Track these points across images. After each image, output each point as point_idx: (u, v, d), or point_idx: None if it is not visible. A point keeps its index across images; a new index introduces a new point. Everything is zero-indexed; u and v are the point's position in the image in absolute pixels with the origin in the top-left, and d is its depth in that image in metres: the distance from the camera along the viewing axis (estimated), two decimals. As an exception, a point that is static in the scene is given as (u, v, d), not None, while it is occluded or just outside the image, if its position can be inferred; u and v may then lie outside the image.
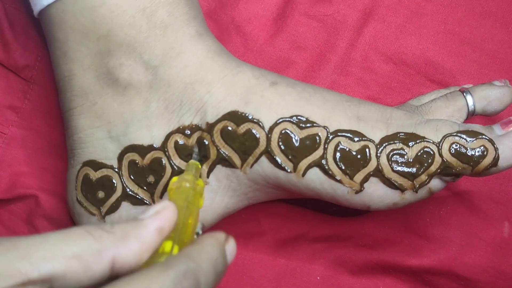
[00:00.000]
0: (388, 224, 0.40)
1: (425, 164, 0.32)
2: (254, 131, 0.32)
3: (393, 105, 0.39)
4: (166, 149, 0.33)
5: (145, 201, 0.34)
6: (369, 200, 0.33)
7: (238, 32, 0.40)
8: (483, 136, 0.32)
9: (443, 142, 0.32)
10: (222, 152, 0.32)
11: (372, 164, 0.32)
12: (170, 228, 0.23)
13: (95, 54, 0.32)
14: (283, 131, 0.32)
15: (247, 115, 0.32)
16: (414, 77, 0.40)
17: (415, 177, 0.32)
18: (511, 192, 0.40)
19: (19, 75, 0.40)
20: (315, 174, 0.32)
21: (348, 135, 0.32)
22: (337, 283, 0.40)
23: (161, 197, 0.34)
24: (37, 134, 0.41)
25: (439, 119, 0.33)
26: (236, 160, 0.32)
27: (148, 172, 0.33)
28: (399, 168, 0.32)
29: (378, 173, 0.32)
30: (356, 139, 0.32)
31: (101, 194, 0.34)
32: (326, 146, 0.32)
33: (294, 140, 0.32)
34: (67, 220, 0.39)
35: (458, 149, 0.32)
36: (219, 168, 0.33)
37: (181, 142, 0.33)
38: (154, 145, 0.33)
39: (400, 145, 0.32)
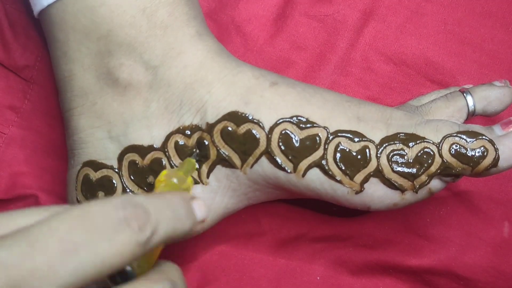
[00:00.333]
0: (388, 224, 0.40)
1: (425, 165, 0.32)
2: (254, 132, 0.32)
3: (393, 106, 0.39)
4: (166, 150, 0.33)
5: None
6: (369, 200, 0.33)
7: (238, 32, 0.40)
8: (483, 137, 0.32)
9: (443, 142, 0.32)
10: (222, 153, 0.32)
11: (372, 165, 0.32)
12: None
13: (95, 54, 0.32)
14: (283, 132, 0.32)
15: (247, 115, 0.32)
16: (414, 77, 0.40)
17: (415, 178, 0.32)
18: (511, 192, 0.40)
19: (19, 75, 0.40)
20: (315, 175, 0.32)
21: (348, 135, 0.32)
22: (337, 283, 0.40)
23: None
24: (37, 134, 0.41)
25: (439, 120, 0.33)
26: (236, 160, 0.32)
27: (148, 173, 0.33)
28: (399, 169, 0.32)
29: (378, 173, 0.32)
30: (356, 139, 0.32)
31: (101, 194, 0.34)
32: (326, 147, 0.32)
33: (294, 141, 0.32)
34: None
35: (458, 149, 0.32)
36: (219, 168, 0.33)
37: (181, 142, 0.33)
38: (154, 146, 0.33)
39: (400, 146, 0.32)
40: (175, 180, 0.28)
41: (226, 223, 0.38)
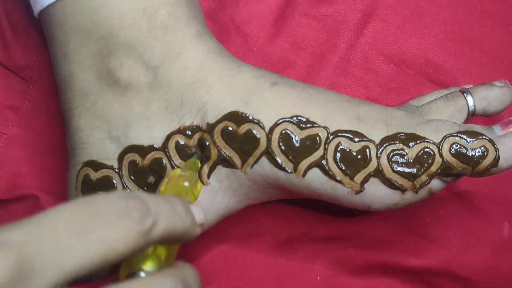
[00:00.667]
0: (388, 225, 0.40)
1: (426, 165, 0.32)
2: (254, 132, 0.32)
3: (393, 106, 0.39)
4: (166, 150, 0.33)
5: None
6: (370, 200, 0.33)
7: (238, 32, 0.40)
8: (484, 137, 0.32)
9: (443, 142, 0.32)
10: (223, 153, 0.32)
11: (373, 165, 0.32)
12: None
13: (96, 55, 0.32)
14: (283, 132, 0.32)
15: (247, 115, 0.32)
16: (414, 77, 0.40)
17: (415, 178, 0.32)
18: (511, 192, 0.40)
19: (19, 75, 0.40)
20: (315, 175, 0.32)
21: (349, 135, 0.32)
22: (337, 283, 0.40)
23: None
24: (37, 134, 0.40)
25: (439, 120, 0.33)
26: (237, 160, 0.32)
27: (148, 173, 0.33)
28: (400, 169, 0.32)
29: (378, 173, 0.32)
30: (356, 139, 0.32)
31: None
32: (326, 147, 0.32)
33: (294, 141, 0.32)
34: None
35: (459, 149, 0.32)
36: (219, 169, 0.33)
37: (182, 142, 0.33)
38: (154, 146, 0.33)
39: (401, 146, 0.32)
40: (186, 184, 0.29)
41: (226, 223, 0.38)
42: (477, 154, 0.32)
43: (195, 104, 0.32)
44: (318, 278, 0.40)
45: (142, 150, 0.33)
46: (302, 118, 0.32)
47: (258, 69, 0.34)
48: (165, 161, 0.33)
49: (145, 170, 0.33)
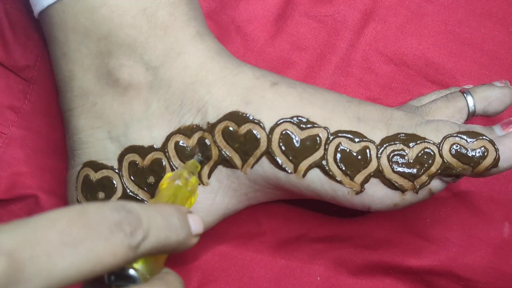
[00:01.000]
0: (388, 225, 0.40)
1: (426, 165, 0.32)
2: (255, 132, 0.32)
3: (394, 106, 0.39)
4: (166, 150, 0.33)
5: (146, 202, 0.34)
6: (370, 201, 0.33)
7: (238, 32, 0.40)
8: (484, 137, 0.32)
9: (443, 142, 0.32)
10: (223, 153, 0.32)
11: (373, 165, 0.32)
12: None
13: (96, 55, 0.32)
14: (283, 132, 0.32)
15: (248, 115, 0.32)
16: (415, 77, 0.40)
17: (415, 178, 0.32)
18: (511, 193, 0.40)
19: (19, 75, 0.40)
20: (315, 175, 0.32)
21: (349, 135, 0.32)
22: (337, 283, 0.40)
23: None
24: (37, 134, 0.40)
25: (439, 120, 0.33)
26: (237, 160, 0.32)
27: (148, 173, 0.33)
28: (400, 169, 0.32)
29: (378, 174, 0.32)
30: (356, 139, 0.32)
31: (101, 195, 0.34)
32: (326, 147, 0.32)
33: (294, 141, 0.32)
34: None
35: (459, 149, 0.32)
36: (219, 169, 0.33)
37: (181, 143, 0.33)
38: (154, 146, 0.33)
39: (401, 146, 0.32)
40: (179, 182, 0.29)
41: (226, 224, 0.38)
42: (477, 154, 0.32)
43: (196, 103, 0.32)
44: (318, 278, 0.40)
45: (142, 151, 0.33)
46: (302, 119, 0.32)
47: (258, 69, 0.34)
48: (164, 161, 0.33)
49: (145, 171, 0.33)
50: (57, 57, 0.33)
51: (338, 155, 0.32)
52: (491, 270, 0.39)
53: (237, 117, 0.32)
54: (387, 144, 0.32)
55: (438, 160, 0.32)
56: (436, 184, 0.33)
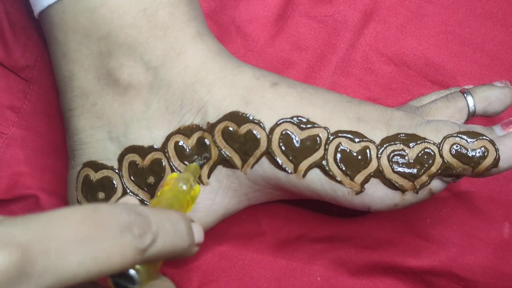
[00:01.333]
0: (388, 225, 0.40)
1: (426, 165, 0.32)
2: (255, 132, 0.32)
3: (394, 106, 0.39)
4: (166, 150, 0.33)
5: (146, 202, 0.34)
6: (370, 201, 0.33)
7: (238, 32, 0.40)
8: (484, 137, 0.32)
9: (443, 143, 0.32)
10: (223, 153, 0.32)
11: (373, 165, 0.32)
12: None
13: (96, 55, 0.32)
14: (283, 132, 0.32)
15: (248, 115, 0.32)
16: (415, 78, 0.40)
17: (415, 178, 0.32)
18: (511, 193, 0.40)
19: (19, 75, 0.40)
20: (315, 175, 0.32)
21: (349, 136, 0.32)
22: (337, 283, 0.40)
23: None
24: (37, 135, 0.40)
25: (439, 120, 0.33)
26: (237, 160, 0.32)
27: (148, 173, 0.33)
28: (400, 169, 0.32)
29: (378, 174, 0.32)
30: (356, 140, 0.32)
31: (101, 195, 0.34)
32: (326, 147, 0.32)
33: (294, 141, 0.32)
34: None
35: (459, 150, 0.32)
36: (219, 169, 0.33)
37: (181, 143, 0.33)
38: (154, 146, 0.33)
39: (401, 146, 0.32)
40: (184, 187, 0.28)
41: (226, 224, 0.38)
42: (477, 154, 0.32)
43: (196, 104, 0.32)
44: (319, 278, 0.40)
45: (142, 151, 0.33)
46: (302, 119, 0.32)
47: (258, 69, 0.34)
48: (164, 161, 0.33)
49: (145, 171, 0.33)
50: (57, 57, 0.33)
51: (338, 155, 0.32)
52: (491, 270, 0.39)
53: (237, 117, 0.32)
54: (387, 144, 0.32)
55: (438, 160, 0.32)
56: (436, 184, 0.33)
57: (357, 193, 0.32)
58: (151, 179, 0.33)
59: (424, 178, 0.32)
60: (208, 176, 0.33)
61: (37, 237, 0.19)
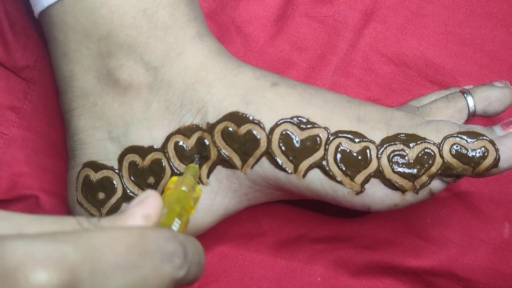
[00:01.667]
0: (389, 225, 0.40)
1: (426, 165, 0.32)
2: (254, 132, 0.32)
3: (394, 106, 0.39)
4: (166, 151, 0.33)
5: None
6: (370, 201, 0.33)
7: (238, 33, 0.40)
8: (484, 137, 0.32)
9: (443, 143, 0.32)
10: (222, 153, 0.32)
11: (373, 165, 0.32)
12: (156, 214, 0.23)
13: (96, 55, 0.32)
14: (283, 132, 0.32)
15: (247, 116, 0.32)
16: (415, 78, 0.40)
17: (416, 178, 0.32)
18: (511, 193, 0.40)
19: (19, 75, 0.40)
20: (315, 175, 0.32)
21: (349, 136, 0.32)
22: (338, 284, 0.40)
23: None
24: (38, 135, 0.40)
25: (439, 120, 0.33)
26: (237, 161, 0.32)
27: (148, 173, 0.33)
28: (400, 169, 0.32)
29: (378, 174, 0.32)
30: (356, 140, 0.32)
31: (101, 195, 0.34)
32: (326, 147, 0.32)
33: (294, 141, 0.32)
34: (68, 220, 0.39)
35: (459, 150, 0.32)
36: (219, 169, 0.33)
37: (181, 143, 0.33)
38: (154, 146, 0.33)
39: (401, 146, 0.32)
40: (185, 190, 0.28)
41: (227, 224, 0.38)
42: (477, 154, 0.32)
43: (196, 104, 0.32)
44: (319, 278, 0.40)
45: (142, 151, 0.33)
46: (302, 119, 0.32)
47: (258, 69, 0.34)
48: (164, 162, 0.33)
49: (145, 171, 0.33)
50: (58, 57, 0.33)
51: (338, 155, 0.32)
52: (491, 271, 0.39)
53: (237, 118, 0.32)
54: (387, 144, 0.32)
55: (438, 160, 0.32)
56: (436, 185, 0.33)
57: (357, 193, 0.32)
58: (151, 180, 0.33)
59: (424, 178, 0.32)
60: (208, 176, 0.33)
61: (86, 259, 0.19)
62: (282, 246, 0.40)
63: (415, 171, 0.32)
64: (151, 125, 0.33)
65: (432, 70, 0.40)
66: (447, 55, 0.40)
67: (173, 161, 0.33)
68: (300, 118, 0.32)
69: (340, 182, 0.32)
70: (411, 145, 0.32)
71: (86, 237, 0.20)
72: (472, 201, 0.40)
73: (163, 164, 0.33)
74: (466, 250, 0.39)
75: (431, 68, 0.40)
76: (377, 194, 0.33)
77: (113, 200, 0.34)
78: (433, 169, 0.32)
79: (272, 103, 0.32)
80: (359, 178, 0.32)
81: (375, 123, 0.33)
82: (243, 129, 0.32)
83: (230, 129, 0.32)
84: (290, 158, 0.32)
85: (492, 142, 0.32)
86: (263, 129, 0.32)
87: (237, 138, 0.32)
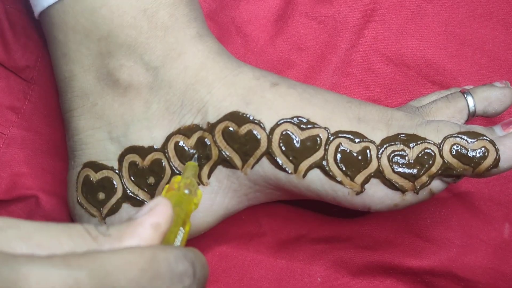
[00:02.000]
0: (389, 225, 0.40)
1: (426, 165, 0.32)
2: (255, 132, 0.32)
3: (394, 106, 0.39)
4: (166, 151, 0.33)
5: (146, 202, 0.34)
6: (370, 201, 0.33)
7: (238, 33, 0.40)
8: (484, 137, 0.32)
9: (444, 143, 0.32)
10: (223, 153, 0.32)
11: (373, 165, 0.32)
12: (166, 223, 0.23)
13: (96, 55, 0.32)
14: (284, 132, 0.32)
15: (248, 116, 0.32)
16: (415, 78, 0.40)
17: (416, 178, 0.32)
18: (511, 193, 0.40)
19: (19, 75, 0.40)
20: (315, 175, 0.32)
21: (349, 136, 0.32)
22: (338, 284, 0.40)
23: None
24: (37, 135, 0.40)
25: (440, 120, 0.33)
26: (237, 161, 0.32)
27: (148, 174, 0.33)
28: (400, 169, 0.32)
29: (379, 174, 0.32)
30: (357, 140, 0.32)
31: (101, 195, 0.34)
32: (327, 147, 0.32)
33: (295, 141, 0.32)
34: (68, 221, 0.39)
35: (459, 150, 0.32)
36: (219, 169, 0.33)
37: (181, 143, 0.33)
38: (154, 146, 0.33)
39: (401, 146, 0.32)
40: (186, 192, 0.28)
41: (227, 224, 0.38)
42: (477, 154, 0.32)
43: (196, 104, 0.32)
44: (319, 278, 0.40)
45: (142, 151, 0.33)
46: (302, 119, 0.32)
47: (258, 69, 0.34)
48: (164, 162, 0.33)
49: (145, 171, 0.33)
50: (57, 57, 0.33)
51: (339, 156, 0.32)
52: (491, 271, 0.39)
53: (237, 118, 0.32)
54: (387, 145, 0.32)
55: (438, 160, 0.32)
56: (436, 185, 0.33)
57: (357, 193, 0.32)
58: (151, 180, 0.33)
59: (424, 178, 0.32)
60: (208, 176, 0.33)
61: (100, 284, 0.19)
62: (282, 246, 0.40)
63: (415, 171, 0.32)
64: (151, 125, 0.33)
65: (432, 70, 0.40)
66: (447, 55, 0.40)
67: (173, 161, 0.33)
68: (300, 118, 0.32)
69: (340, 182, 0.32)
70: (411, 145, 0.32)
71: (100, 262, 0.20)
72: (472, 201, 0.40)
73: (163, 164, 0.33)
74: (466, 250, 0.39)
75: (431, 68, 0.40)
76: (377, 194, 0.33)
77: (113, 200, 0.34)
78: (433, 169, 0.32)
79: (272, 103, 0.32)
80: (359, 178, 0.32)
81: (375, 123, 0.33)
82: (244, 129, 0.32)
83: (231, 129, 0.32)
84: (290, 158, 0.32)
85: (492, 142, 0.32)
86: (264, 129, 0.32)
87: (238, 138, 0.32)
